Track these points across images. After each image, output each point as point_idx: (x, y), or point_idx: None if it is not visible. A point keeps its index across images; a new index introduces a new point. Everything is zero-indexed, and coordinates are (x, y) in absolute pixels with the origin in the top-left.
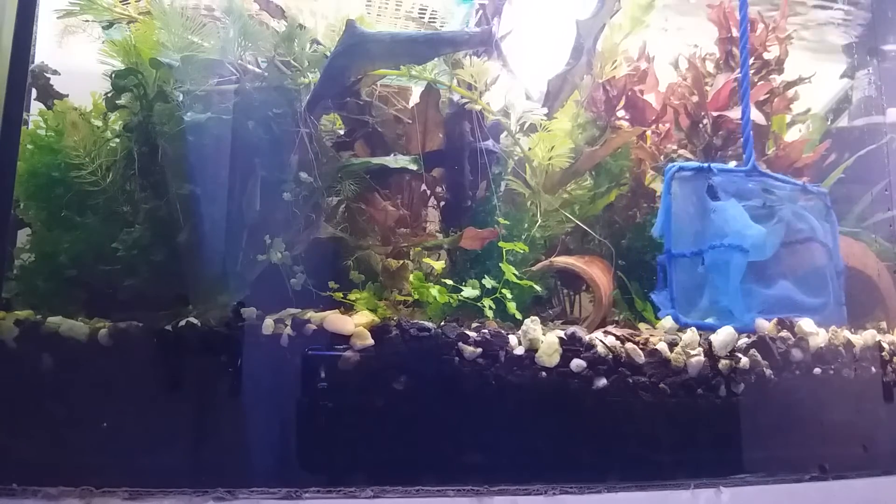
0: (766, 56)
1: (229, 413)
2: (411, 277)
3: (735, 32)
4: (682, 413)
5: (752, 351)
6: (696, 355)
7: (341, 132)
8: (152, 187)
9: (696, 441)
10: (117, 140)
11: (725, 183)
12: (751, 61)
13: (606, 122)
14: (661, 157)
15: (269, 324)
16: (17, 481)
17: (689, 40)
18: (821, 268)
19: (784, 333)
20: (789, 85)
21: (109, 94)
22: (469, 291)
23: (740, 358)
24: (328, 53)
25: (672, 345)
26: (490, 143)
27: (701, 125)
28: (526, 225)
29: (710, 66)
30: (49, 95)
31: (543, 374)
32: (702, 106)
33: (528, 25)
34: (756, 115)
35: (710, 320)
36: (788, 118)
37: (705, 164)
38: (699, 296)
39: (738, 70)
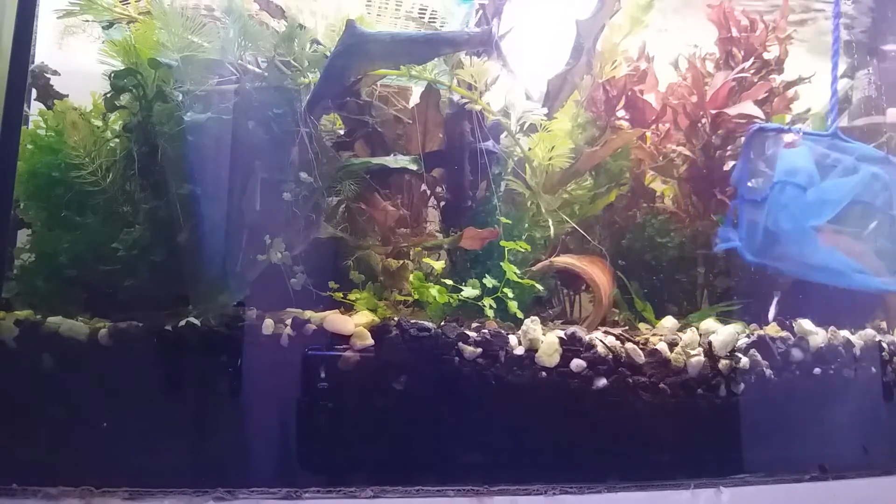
0: (765, 56)
1: (229, 413)
2: (411, 277)
3: (735, 32)
4: (682, 413)
5: (752, 351)
6: (696, 355)
7: (341, 132)
8: (152, 187)
9: (696, 441)
10: (117, 140)
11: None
12: (750, 61)
13: (606, 122)
14: (661, 158)
15: (269, 324)
16: (17, 481)
17: (690, 40)
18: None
19: (784, 333)
20: (789, 85)
21: (109, 94)
22: (469, 291)
23: (740, 358)
24: (328, 53)
25: (672, 345)
26: (490, 143)
27: (699, 125)
28: (526, 225)
29: (710, 67)
30: (49, 95)
31: (543, 374)
32: (700, 105)
33: (529, 25)
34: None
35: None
36: (788, 118)
37: (786, 126)
38: (763, 239)
39: (737, 69)
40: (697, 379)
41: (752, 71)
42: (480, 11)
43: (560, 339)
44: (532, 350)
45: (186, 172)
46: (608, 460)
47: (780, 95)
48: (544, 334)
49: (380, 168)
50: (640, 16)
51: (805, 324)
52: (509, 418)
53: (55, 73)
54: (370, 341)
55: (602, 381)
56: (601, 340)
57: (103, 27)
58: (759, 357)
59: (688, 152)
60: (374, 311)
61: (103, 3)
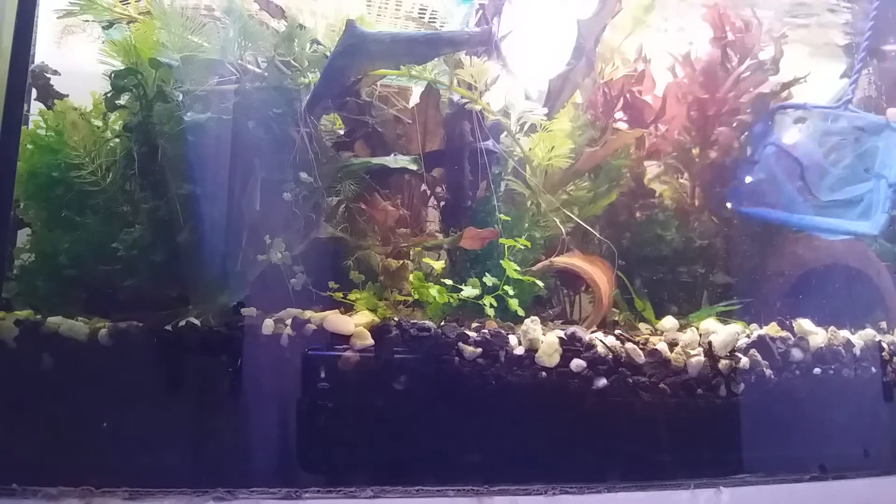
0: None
1: (229, 413)
2: (411, 277)
3: (731, 35)
4: (682, 413)
5: (752, 351)
6: (696, 355)
7: (341, 132)
8: (152, 187)
9: (696, 441)
10: (117, 140)
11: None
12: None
13: (605, 123)
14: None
15: (269, 324)
16: (17, 481)
17: (692, 39)
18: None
19: (784, 333)
20: (786, 85)
21: (109, 94)
22: (469, 291)
23: (740, 358)
24: (328, 53)
25: (672, 345)
26: (490, 143)
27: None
28: (526, 225)
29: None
30: (49, 95)
31: (543, 374)
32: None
33: (529, 25)
34: None
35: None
36: None
37: (803, 103)
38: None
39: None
40: (697, 379)
41: (748, 73)
42: (480, 11)
43: (560, 339)
44: (532, 350)
45: (186, 172)
46: (608, 460)
47: (776, 95)
48: (544, 334)
49: (380, 168)
50: (641, 16)
51: (805, 324)
52: (509, 418)
53: (55, 72)
54: (370, 341)
55: (602, 381)
56: (601, 340)
57: (103, 27)
58: (759, 357)
59: None
60: (374, 311)
61: (103, 3)
